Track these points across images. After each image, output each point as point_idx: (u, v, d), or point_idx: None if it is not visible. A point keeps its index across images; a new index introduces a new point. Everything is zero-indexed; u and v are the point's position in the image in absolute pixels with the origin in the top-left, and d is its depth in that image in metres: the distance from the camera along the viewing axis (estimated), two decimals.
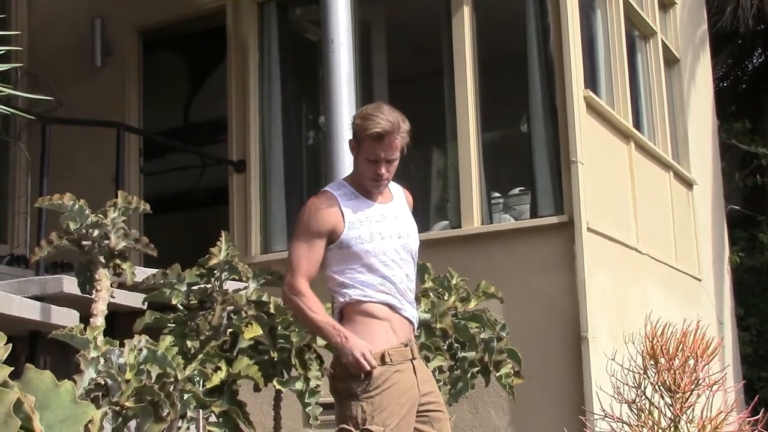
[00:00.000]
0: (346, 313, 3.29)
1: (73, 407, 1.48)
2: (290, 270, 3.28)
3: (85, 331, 3.22)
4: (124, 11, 7.68)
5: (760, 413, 3.30)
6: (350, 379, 3.19)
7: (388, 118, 3.24)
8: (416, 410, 3.26)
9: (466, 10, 6.23)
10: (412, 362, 3.28)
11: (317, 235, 3.27)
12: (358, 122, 3.32)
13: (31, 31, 7.96)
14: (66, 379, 1.56)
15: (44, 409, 1.45)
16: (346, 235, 3.27)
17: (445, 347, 4.17)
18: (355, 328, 3.24)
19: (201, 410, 3.52)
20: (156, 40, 7.96)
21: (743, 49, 13.96)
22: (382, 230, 3.32)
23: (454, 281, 4.37)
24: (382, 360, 3.19)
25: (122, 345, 3.24)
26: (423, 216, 6.38)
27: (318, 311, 3.24)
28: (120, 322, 4.78)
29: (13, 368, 1.58)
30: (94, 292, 3.80)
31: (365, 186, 3.36)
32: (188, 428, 3.56)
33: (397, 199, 3.48)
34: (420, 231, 3.56)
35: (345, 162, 4.44)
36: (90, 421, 3.02)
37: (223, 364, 3.77)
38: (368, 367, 3.15)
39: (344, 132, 4.03)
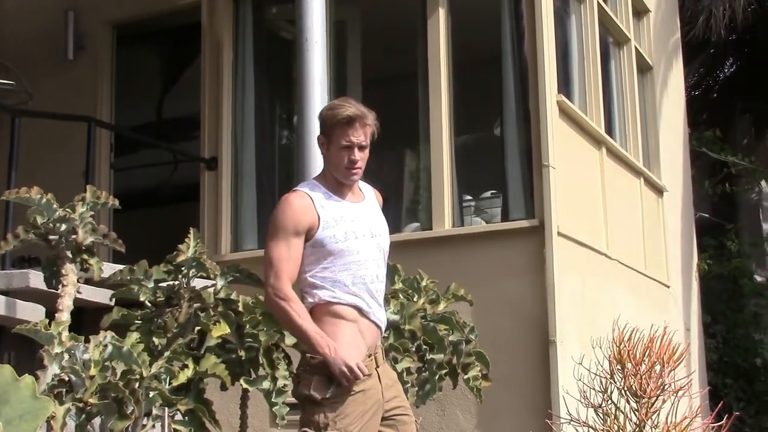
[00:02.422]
0: (315, 314, 3.27)
1: (33, 402, 1.46)
2: (273, 272, 3.22)
3: (50, 327, 3.19)
4: (98, 4, 7.63)
5: (724, 419, 3.33)
6: (314, 386, 3.18)
7: (355, 105, 3.32)
8: (381, 416, 3.26)
9: (441, 13, 6.24)
10: (376, 370, 3.28)
11: (295, 233, 3.24)
12: (327, 113, 3.36)
13: (3, 22, 7.88)
14: (27, 374, 1.54)
15: (3, 404, 1.43)
16: (320, 234, 3.26)
17: (414, 349, 4.16)
18: (324, 329, 3.23)
19: (167, 408, 3.49)
20: (130, 35, 7.91)
21: (715, 58, 14.09)
22: (356, 229, 3.31)
23: (423, 283, 4.36)
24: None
25: (87, 341, 3.21)
26: (394, 217, 6.37)
27: (306, 318, 3.21)
28: (88, 319, 4.74)
29: None
30: (60, 287, 3.76)
31: (339, 178, 3.35)
32: (153, 426, 3.54)
33: (368, 199, 3.48)
34: (391, 232, 3.56)
35: (317, 161, 4.42)
36: (52, 417, 3.00)
37: (190, 362, 3.74)
38: (361, 376, 3.15)
39: (316, 131, 4.02)
